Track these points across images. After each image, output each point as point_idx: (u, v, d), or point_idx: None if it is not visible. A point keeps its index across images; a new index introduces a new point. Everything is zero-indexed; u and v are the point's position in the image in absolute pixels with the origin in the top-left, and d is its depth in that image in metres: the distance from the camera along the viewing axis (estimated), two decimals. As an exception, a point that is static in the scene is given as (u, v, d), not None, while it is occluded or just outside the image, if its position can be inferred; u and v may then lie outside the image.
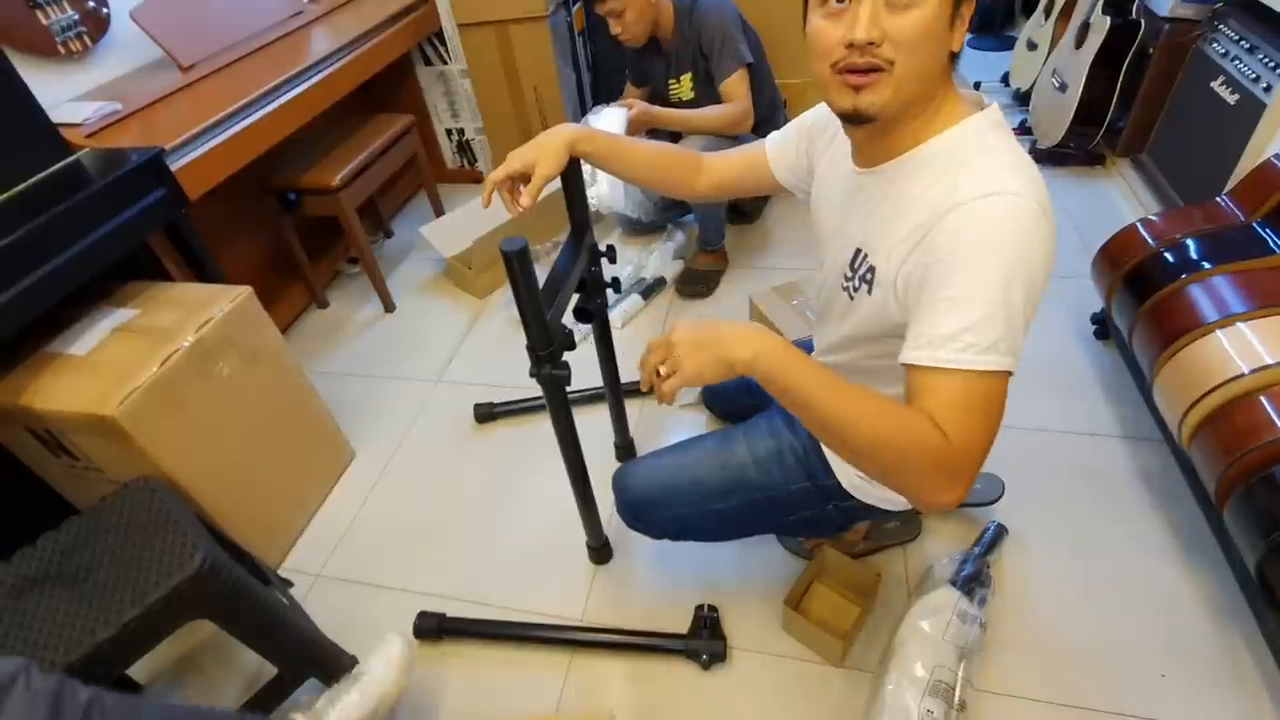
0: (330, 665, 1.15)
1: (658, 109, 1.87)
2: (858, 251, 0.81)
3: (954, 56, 0.72)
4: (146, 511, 1.01)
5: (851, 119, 0.71)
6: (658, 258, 2.12)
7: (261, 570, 1.24)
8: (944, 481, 0.65)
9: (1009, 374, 0.66)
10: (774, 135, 1.03)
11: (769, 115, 1.97)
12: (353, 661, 1.18)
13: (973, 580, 1.14)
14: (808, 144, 0.97)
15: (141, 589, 0.90)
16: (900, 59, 0.65)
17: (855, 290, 0.83)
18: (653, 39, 1.87)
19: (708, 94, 1.86)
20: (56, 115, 1.42)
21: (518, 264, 0.87)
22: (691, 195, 1.08)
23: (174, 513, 1.01)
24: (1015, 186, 0.66)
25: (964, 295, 0.64)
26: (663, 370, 0.73)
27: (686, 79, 1.88)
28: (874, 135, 0.76)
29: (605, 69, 2.65)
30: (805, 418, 0.70)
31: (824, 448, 1.00)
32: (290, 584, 1.33)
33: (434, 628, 1.27)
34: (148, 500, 1.03)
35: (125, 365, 1.16)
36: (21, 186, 1.25)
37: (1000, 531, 1.26)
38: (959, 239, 0.66)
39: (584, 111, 2.66)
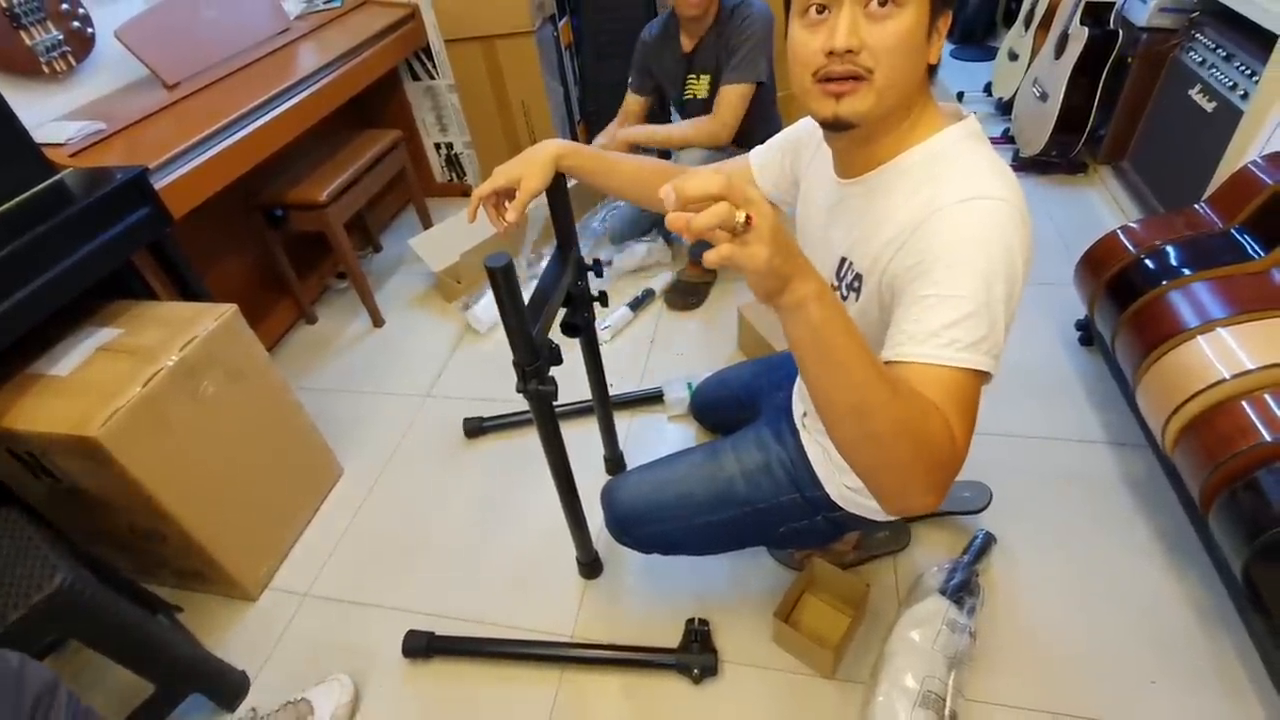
0: (215, 682, 1.22)
1: (636, 130, 1.90)
2: (843, 260, 0.82)
3: (932, 69, 0.73)
4: (8, 538, 1.02)
5: (833, 126, 0.72)
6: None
7: (144, 594, 1.30)
8: (939, 480, 0.61)
9: (988, 376, 0.65)
10: (758, 149, 1.04)
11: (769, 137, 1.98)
12: (242, 677, 1.25)
13: (962, 589, 1.14)
14: (792, 158, 0.98)
15: (1, 611, 0.92)
16: (879, 68, 0.66)
17: (843, 299, 0.84)
18: (679, 35, 1.85)
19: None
20: (40, 135, 1.42)
21: (503, 280, 0.87)
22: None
23: (35, 538, 1.02)
24: (995, 191, 0.67)
25: (947, 293, 0.64)
26: (739, 228, 0.51)
27: (706, 79, 1.87)
28: (855, 145, 0.76)
29: (592, 83, 2.67)
30: (840, 387, 0.58)
31: (809, 457, 1.01)
32: (179, 609, 1.36)
33: (423, 646, 1.25)
34: (9, 528, 1.04)
35: (108, 385, 1.15)
36: (4, 207, 1.25)
37: (988, 540, 1.27)
38: (940, 240, 0.66)
39: (571, 125, 2.67)
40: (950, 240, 0.66)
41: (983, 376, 0.65)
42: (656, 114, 2.20)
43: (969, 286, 0.63)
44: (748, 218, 0.50)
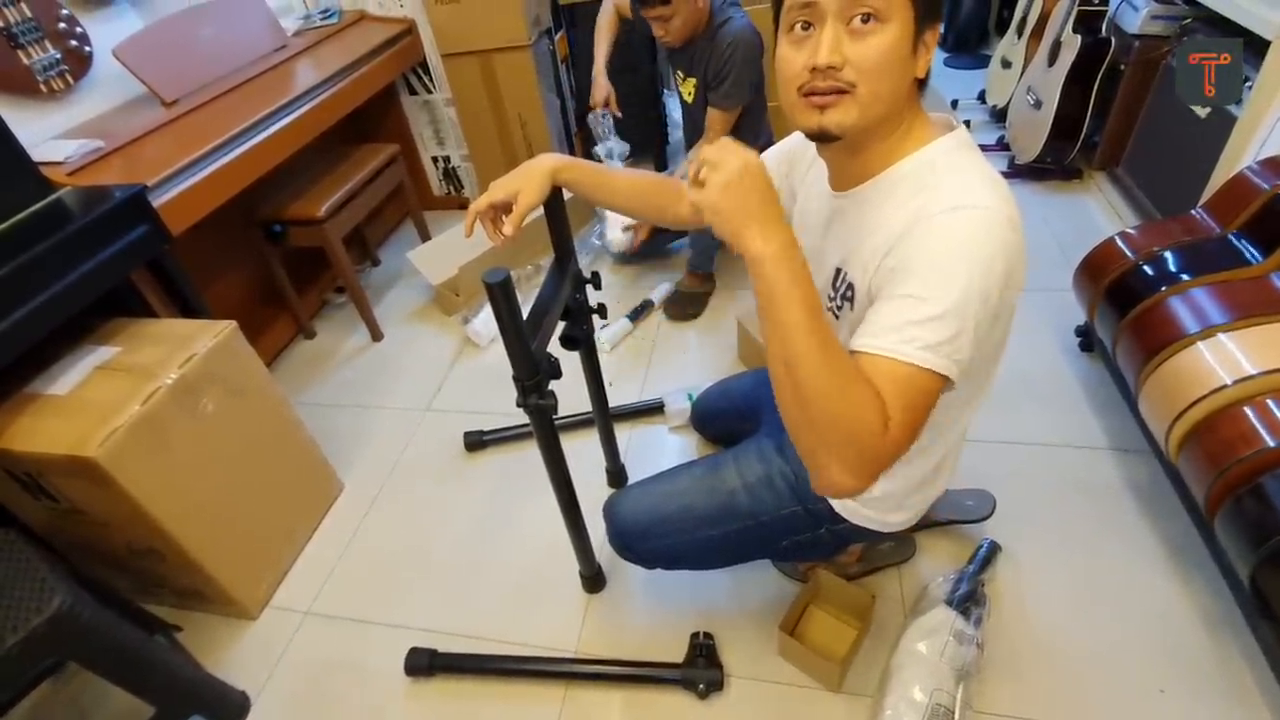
0: (215, 703, 1.20)
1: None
2: (838, 270, 0.83)
3: (922, 83, 0.73)
4: (5, 560, 1.01)
5: (818, 138, 0.73)
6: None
7: (143, 614, 1.29)
8: (861, 466, 0.64)
9: (945, 380, 0.66)
10: None
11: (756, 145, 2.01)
12: (243, 698, 1.24)
13: (968, 599, 1.13)
14: (788, 169, 0.99)
15: None
16: (862, 83, 0.67)
17: (839, 309, 0.84)
18: None
19: (705, 103, 1.91)
20: (38, 154, 1.42)
21: (501, 295, 0.87)
22: (674, 221, 1.09)
23: (32, 560, 1.01)
24: (984, 200, 0.67)
25: (919, 295, 0.65)
26: (704, 174, 0.65)
27: (693, 83, 1.93)
28: (846, 156, 0.77)
29: (588, 96, 2.67)
30: (775, 340, 0.65)
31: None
32: (178, 629, 1.35)
33: (425, 664, 1.24)
34: (6, 549, 1.03)
35: (107, 405, 1.14)
36: (2, 226, 1.24)
37: (993, 549, 1.26)
38: (924, 245, 0.67)
39: (568, 137, 2.68)
40: (933, 247, 0.66)
41: (941, 380, 0.66)
42: (632, 33, 2.26)
43: (941, 290, 0.64)
44: (696, 172, 0.66)
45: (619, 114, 2.04)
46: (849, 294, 0.80)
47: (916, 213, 0.69)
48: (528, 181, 0.95)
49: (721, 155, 0.65)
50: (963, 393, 0.84)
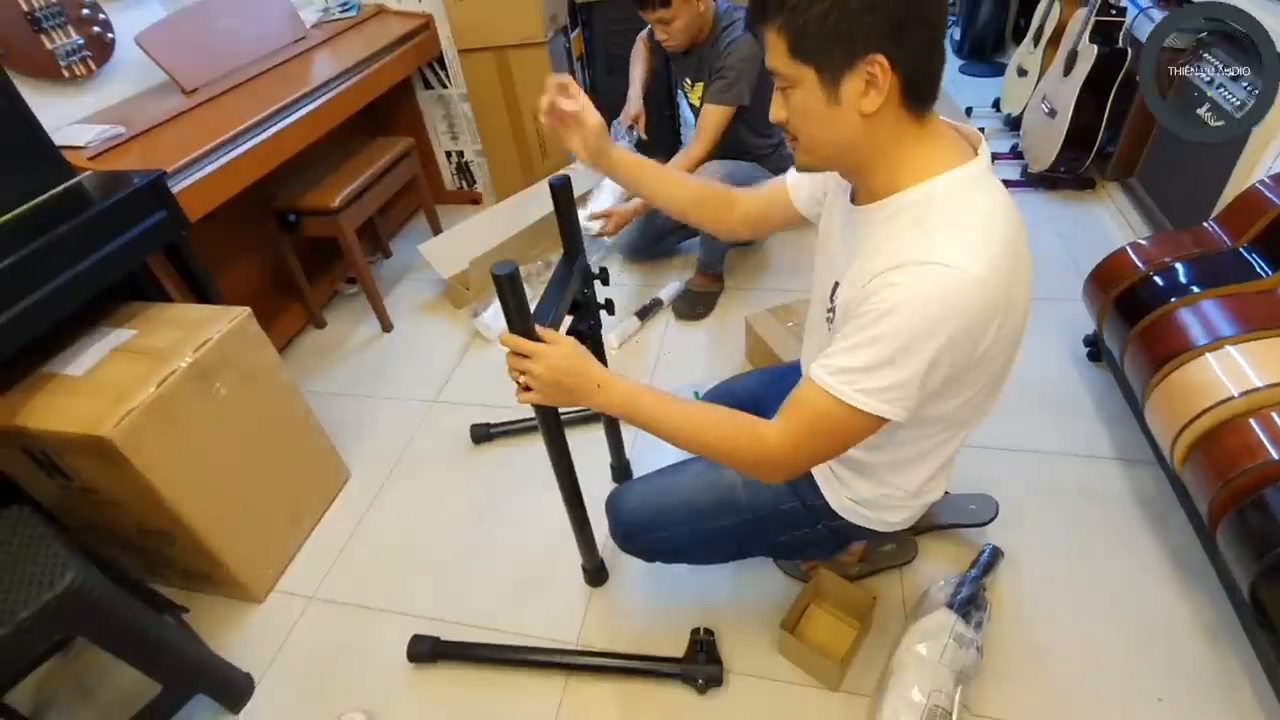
0: (220, 683, 1.22)
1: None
2: (836, 285, 0.84)
3: (915, 111, 0.72)
4: (19, 536, 1.03)
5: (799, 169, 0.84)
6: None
7: (151, 594, 1.33)
8: (766, 474, 0.84)
9: (885, 420, 0.74)
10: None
11: (768, 153, 2.03)
12: (247, 679, 1.26)
13: (969, 603, 1.14)
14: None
15: (11, 608, 0.92)
16: (799, 133, 0.76)
17: (831, 320, 0.85)
18: None
19: None
20: (60, 138, 1.44)
21: (508, 287, 0.88)
22: (723, 230, 1.11)
23: (45, 536, 1.02)
24: (961, 259, 0.67)
25: (873, 341, 0.70)
26: (523, 381, 0.88)
27: (700, 87, 1.94)
28: (851, 178, 0.82)
29: (603, 94, 2.69)
30: (653, 433, 0.88)
31: (812, 470, 1.01)
32: (185, 609, 1.37)
33: (428, 651, 1.26)
34: (20, 525, 1.05)
35: (122, 386, 1.16)
36: (24, 208, 1.26)
37: (995, 554, 1.26)
38: (892, 294, 0.69)
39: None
40: (898, 298, 0.69)
41: (877, 419, 0.74)
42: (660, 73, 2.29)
43: (895, 345, 0.70)
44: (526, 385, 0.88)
45: (645, 136, 2.04)
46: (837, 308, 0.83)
47: (900, 252, 0.70)
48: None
49: (528, 366, 0.86)
50: (960, 418, 0.86)
